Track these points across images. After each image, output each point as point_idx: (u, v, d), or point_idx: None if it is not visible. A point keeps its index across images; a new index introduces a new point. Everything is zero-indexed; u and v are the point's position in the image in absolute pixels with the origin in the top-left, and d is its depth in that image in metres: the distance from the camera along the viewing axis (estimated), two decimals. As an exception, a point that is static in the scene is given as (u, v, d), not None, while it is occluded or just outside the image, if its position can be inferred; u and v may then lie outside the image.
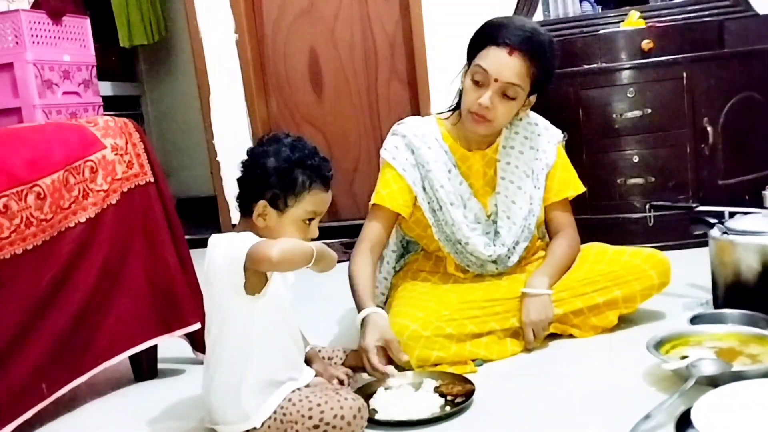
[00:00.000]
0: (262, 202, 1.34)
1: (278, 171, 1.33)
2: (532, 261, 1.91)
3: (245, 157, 1.38)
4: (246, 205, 1.37)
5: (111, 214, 1.66)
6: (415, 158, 1.81)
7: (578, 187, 1.91)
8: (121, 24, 4.12)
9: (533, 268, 1.84)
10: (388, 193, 1.80)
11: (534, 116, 1.90)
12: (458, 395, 1.48)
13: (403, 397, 1.49)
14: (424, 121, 1.87)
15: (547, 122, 1.92)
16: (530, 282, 1.76)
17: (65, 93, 3.15)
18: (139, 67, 4.76)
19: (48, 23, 3.09)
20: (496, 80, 1.67)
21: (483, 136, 1.81)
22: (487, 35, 1.70)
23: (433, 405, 1.45)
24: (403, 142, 1.82)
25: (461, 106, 1.77)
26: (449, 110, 1.88)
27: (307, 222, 1.37)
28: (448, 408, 1.44)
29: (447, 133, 1.84)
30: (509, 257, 1.84)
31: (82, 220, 1.59)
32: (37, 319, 1.50)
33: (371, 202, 1.83)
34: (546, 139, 1.88)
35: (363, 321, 1.62)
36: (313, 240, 1.37)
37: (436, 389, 1.51)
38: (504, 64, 1.66)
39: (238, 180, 1.39)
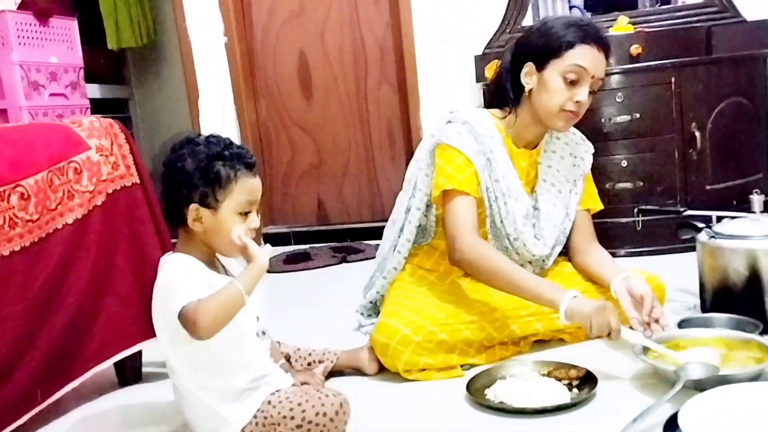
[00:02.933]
0: (193, 206, 1.29)
1: (200, 169, 1.29)
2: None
3: (162, 169, 1.34)
4: (178, 215, 1.32)
5: (98, 215, 1.65)
6: (479, 145, 1.78)
7: (598, 204, 1.96)
8: (110, 26, 4.09)
9: (541, 275, 1.84)
10: (465, 178, 1.73)
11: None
12: (573, 379, 1.49)
13: (525, 384, 1.48)
14: (478, 112, 1.85)
15: (581, 134, 1.95)
16: (616, 272, 1.75)
17: (52, 95, 3.12)
18: (127, 69, 4.72)
19: (35, 24, 3.07)
20: (593, 77, 1.70)
21: (538, 135, 1.84)
22: (571, 34, 1.69)
23: (560, 391, 1.44)
24: (465, 129, 1.78)
25: (543, 106, 1.73)
26: (496, 108, 1.86)
27: (244, 214, 1.32)
28: (576, 391, 1.46)
29: (500, 126, 1.83)
30: (546, 260, 1.87)
31: (70, 221, 1.58)
32: (36, 323, 1.48)
33: (443, 188, 1.74)
34: (584, 149, 1.93)
35: (570, 307, 1.54)
36: (254, 229, 1.33)
37: (549, 375, 1.52)
38: (599, 60, 1.70)
39: (162, 194, 1.35)
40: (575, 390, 1.47)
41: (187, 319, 1.22)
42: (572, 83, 1.70)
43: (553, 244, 1.86)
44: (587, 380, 1.48)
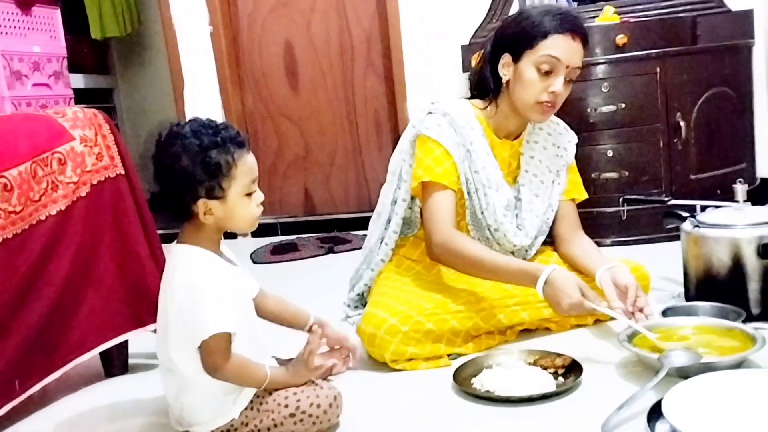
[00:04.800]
0: (201, 201, 1.27)
1: (198, 164, 1.26)
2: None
3: (155, 168, 1.30)
4: (184, 212, 1.30)
5: (81, 206, 1.63)
6: (459, 137, 1.78)
7: (582, 193, 1.96)
8: (93, 15, 4.05)
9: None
10: (443, 170, 1.75)
11: (553, 116, 1.91)
12: (559, 368, 1.50)
13: (511, 373, 1.48)
14: (460, 103, 1.85)
15: (565, 124, 1.95)
16: (601, 262, 1.75)
17: (35, 85, 3.09)
18: (111, 59, 4.68)
19: (17, 13, 3.03)
20: (567, 67, 1.69)
21: (520, 126, 1.84)
22: (544, 24, 1.69)
23: (546, 380, 1.45)
24: (445, 120, 1.78)
25: (519, 97, 1.74)
26: (474, 98, 1.87)
27: (249, 195, 1.31)
28: (561, 380, 1.46)
29: (481, 117, 1.83)
30: (528, 251, 1.87)
31: (53, 212, 1.56)
32: (12, 314, 1.47)
33: (421, 179, 1.75)
34: (567, 139, 1.93)
35: (548, 281, 1.55)
36: (260, 205, 1.33)
37: (535, 363, 1.53)
38: (573, 50, 1.69)
39: (162, 192, 1.31)
40: (561, 378, 1.48)
41: (209, 357, 1.27)
42: (546, 74, 1.69)
43: (535, 235, 1.87)
44: (572, 369, 1.49)
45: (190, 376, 1.32)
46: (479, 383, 1.48)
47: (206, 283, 1.27)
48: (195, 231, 1.32)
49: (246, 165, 1.30)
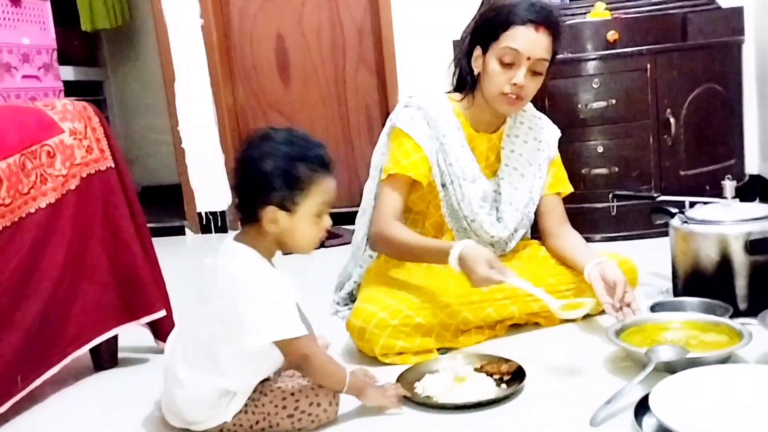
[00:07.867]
0: (270, 208, 1.27)
1: (280, 172, 1.26)
2: (519, 249, 1.93)
3: (236, 164, 1.31)
4: (250, 213, 1.30)
5: (71, 199, 1.63)
6: (432, 130, 1.79)
7: (568, 187, 1.97)
8: (83, 7, 4.03)
9: (516, 259, 1.88)
10: (410, 162, 1.77)
11: (535, 110, 1.94)
12: (505, 374, 1.48)
13: (451, 380, 1.47)
14: (436, 97, 1.86)
15: (548, 118, 1.96)
16: (589, 256, 1.76)
17: (24, 77, 3.06)
18: (102, 51, 4.66)
19: (6, 4, 3.00)
20: (528, 58, 1.69)
21: (496, 118, 1.84)
22: (507, 16, 1.70)
23: (488, 386, 1.43)
24: (419, 114, 1.80)
25: (486, 90, 1.76)
26: (455, 92, 1.88)
27: (319, 216, 1.32)
28: (504, 386, 1.44)
29: (458, 110, 1.85)
30: (507, 243, 1.88)
31: (43, 205, 1.56)
32: (11, 309, 1.47)
33: (388, 172, 1.78)
34: (549, 133, 1.93)
35: (461, 257, 1.56)
36: (326, 230, 1.35)
37: (481, 369, 1.51)
38: (535, 41, 1.69)
39: (236, 189, 1.33)
40: (504, 385, 1.45)
41: (295, 353, 1.30)
42: (509, 65, 1.70)
43: (514, 227, 1.87)
44: (518, 375, 1.46)
45: (195, 375, 1.31)
46: (421, 388, 1.45)
47: (280, 286, 1.29)
48: (257, 236, 1.32)
49: (324, 186, 1.30)
